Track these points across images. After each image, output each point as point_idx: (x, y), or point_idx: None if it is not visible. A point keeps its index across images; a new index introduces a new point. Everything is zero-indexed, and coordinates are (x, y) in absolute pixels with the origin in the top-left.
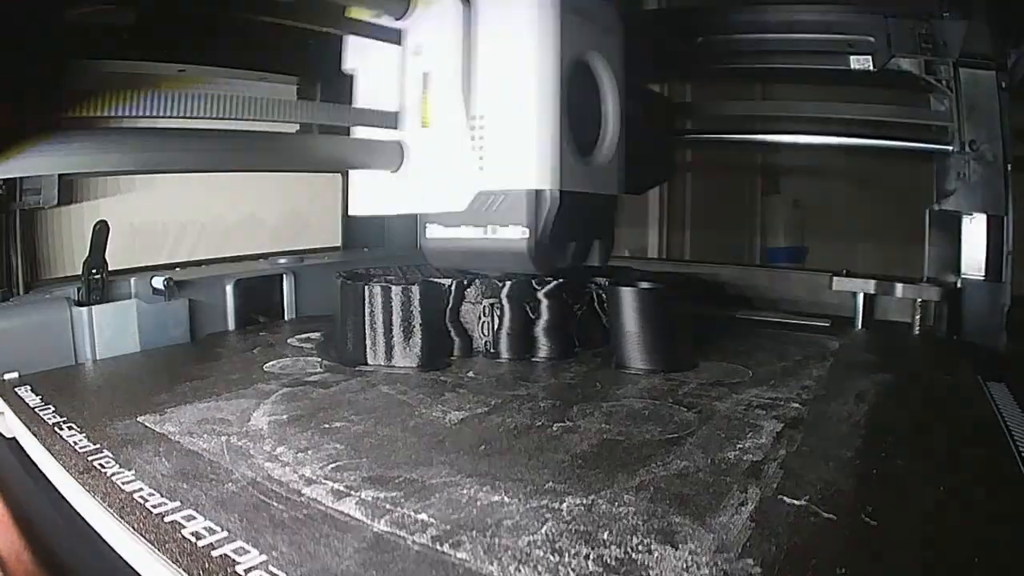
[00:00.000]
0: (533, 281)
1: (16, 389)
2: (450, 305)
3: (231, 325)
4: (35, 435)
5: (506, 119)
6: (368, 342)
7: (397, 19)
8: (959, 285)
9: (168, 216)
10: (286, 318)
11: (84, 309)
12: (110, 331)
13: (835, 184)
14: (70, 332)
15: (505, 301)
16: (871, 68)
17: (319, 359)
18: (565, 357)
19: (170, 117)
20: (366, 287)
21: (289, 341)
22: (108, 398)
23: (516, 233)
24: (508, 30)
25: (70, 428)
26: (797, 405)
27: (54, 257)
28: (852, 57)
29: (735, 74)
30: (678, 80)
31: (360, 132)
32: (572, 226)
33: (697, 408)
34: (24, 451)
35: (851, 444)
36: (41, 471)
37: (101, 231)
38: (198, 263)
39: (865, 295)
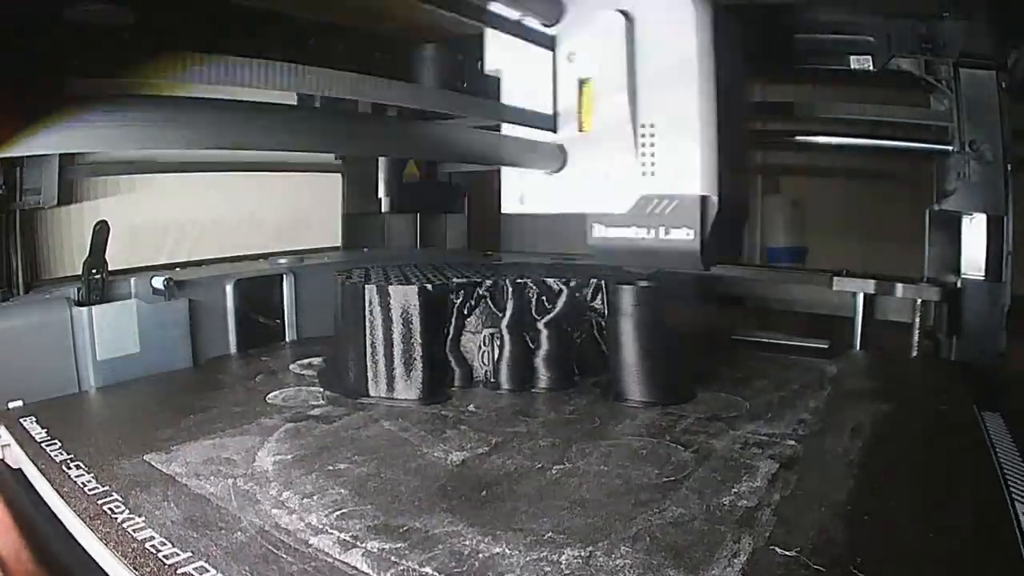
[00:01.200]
0: (533, 310)
1: (21, 420)
2: (451, 335)
3: (231, 325)
4: (44, 474)
5: (676, 130)
6: (370, 373)
7: (548, 25)
8: (959, 285)
9: (168, 216)
10: (287, 338)
11: (84, 309)
12: (110, 331)
13: (835, 184)
14: (70, 332)
15: (505, 331)
16: (871, 68)
17: (321, 389)
18: (565, 387)
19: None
20: (367, 315)
21: (291, 368)
22: (113, 433)
23: (686, 235)
24: (674, 47)
25: (77, 467)
26: (792, 442)
27: (54, 257)
28: (852, 57)
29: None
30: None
31: (507, 130)
32: (724, 228)
33: (694, 447)
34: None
35: (844, 486)
36: (49, 507)
37: (101, 231)
38: (198, 263)
39: (865, 295)
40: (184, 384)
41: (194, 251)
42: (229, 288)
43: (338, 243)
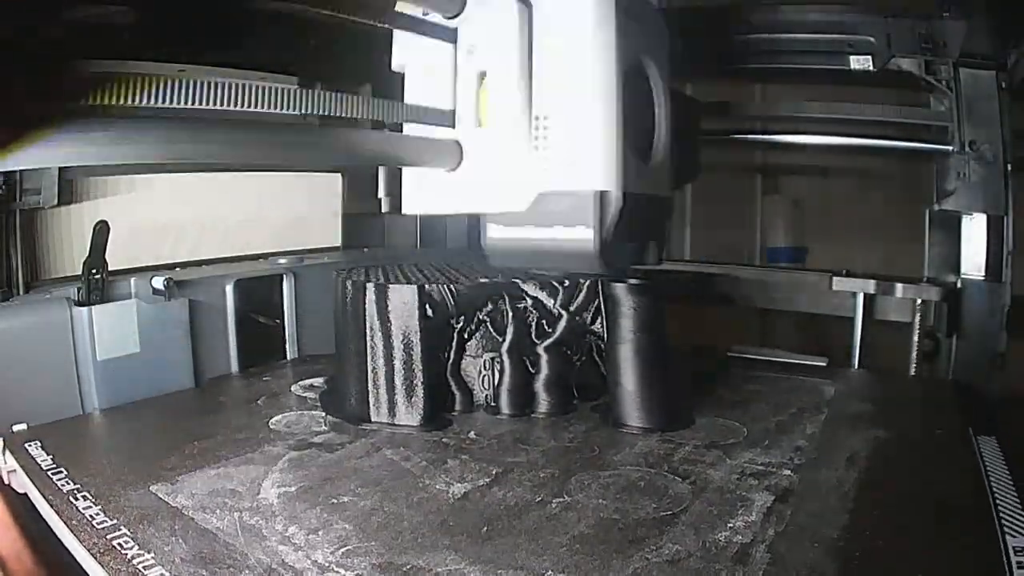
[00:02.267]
0: (532, 334)
1: (26, 446)
2: (451, 359)
3: (231, 325)
4: (53, 506)
5: (570, 120)
6: (371, 399)
7: (449, 17)
8: (959, 285)
9: (168, 216)
10: (287, 349)
11: (84, 309)
12: (110, 331)
13: (835, 184)
14: (70, 332)
15: (505, 356)
16: (871, 68)
17: (323, 414)
18: (565, 412)
19: (200, 108)
20: (368, 344)
21: (293, 389)
22: (118, 460)
23: (582, 233)
24: (570, 33)
25: (84, 498)
26: (788, 472)
27: (54, 257)
28: (852, 57)
29: (735, 74)
30: (678, 80)
31: (409, 130)
32: (631, 226)
33: (691, 478)
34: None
35: (838, 521)
36: (58, 537)
37: (101, 231)
38: (198, 263)
39: (865, 295)
40: (187, 406)
41: (194, 251)
42: (229, 288)
43: (338, 243)
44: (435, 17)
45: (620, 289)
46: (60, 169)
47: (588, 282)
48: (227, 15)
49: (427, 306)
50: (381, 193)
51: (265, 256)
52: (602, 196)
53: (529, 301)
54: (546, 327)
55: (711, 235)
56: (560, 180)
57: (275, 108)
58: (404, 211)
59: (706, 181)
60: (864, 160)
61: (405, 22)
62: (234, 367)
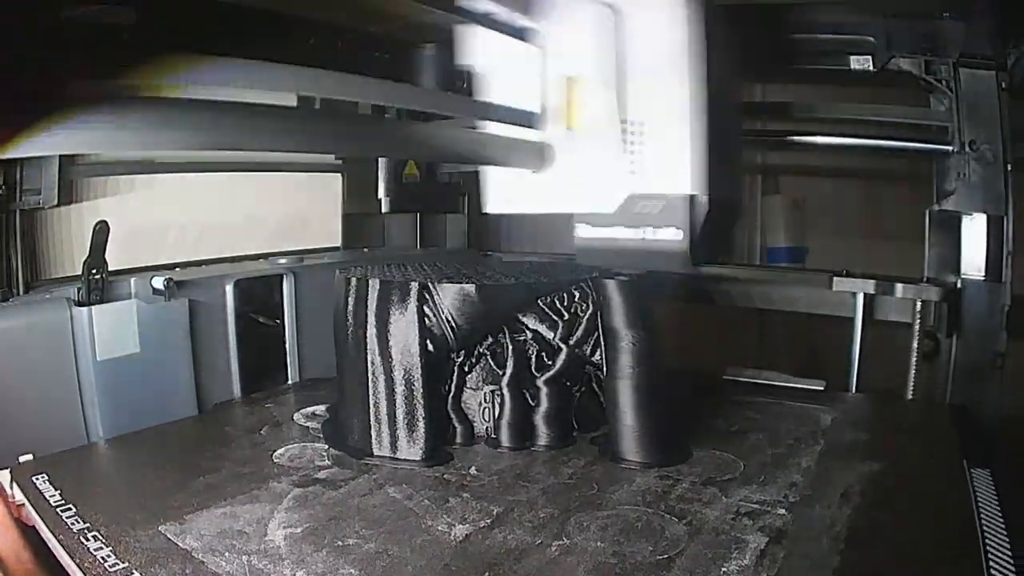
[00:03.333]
0: (532, 367)
1: (34, 479)
2: (452, 393)
3: (231, 325)
4: (64, 546)
5: (664, 128)
6: (373, 433)
7: (536, 22)
8: (959, 285)
9: (169, 217)
10: (290, 379)
11: (84, 309)
12: (110, 331)
13: (835, 184)
14: (70, 332)
15: (505, 390)
16: (871, 68)
17: (326, 446)
18: (564, 444)
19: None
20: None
21: (295, 418)
22: (125, 497)
23: (674, 235)
24: (665, 45)
25: (95, 538)
26: (783, 511)
27: (54, 257)
28: (852, 57)
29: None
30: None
31: (494, 129)
32: (714, 226)
33: (687, 518)
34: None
35: (829, 563)
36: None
37: (101, 231)
38: (198, 263)
39: (865, 295)
40: (191, 436)
41: (194, 251)
42: (229, 288)
43: (338, 243)
44: (521, 20)
45: (619, 322)
46: (60, 169)
47: (588, 315)
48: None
49: (428, 341)
50: (381, 193)
51: (265, 256)
52: (693, 200)
53: (529, 334)
54: (546, 359)
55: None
56: (652, 184)
57: (370, 100)
58: (488, 210)
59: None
60: (864, 160)
61: (495, 25)
62: (234, 367)
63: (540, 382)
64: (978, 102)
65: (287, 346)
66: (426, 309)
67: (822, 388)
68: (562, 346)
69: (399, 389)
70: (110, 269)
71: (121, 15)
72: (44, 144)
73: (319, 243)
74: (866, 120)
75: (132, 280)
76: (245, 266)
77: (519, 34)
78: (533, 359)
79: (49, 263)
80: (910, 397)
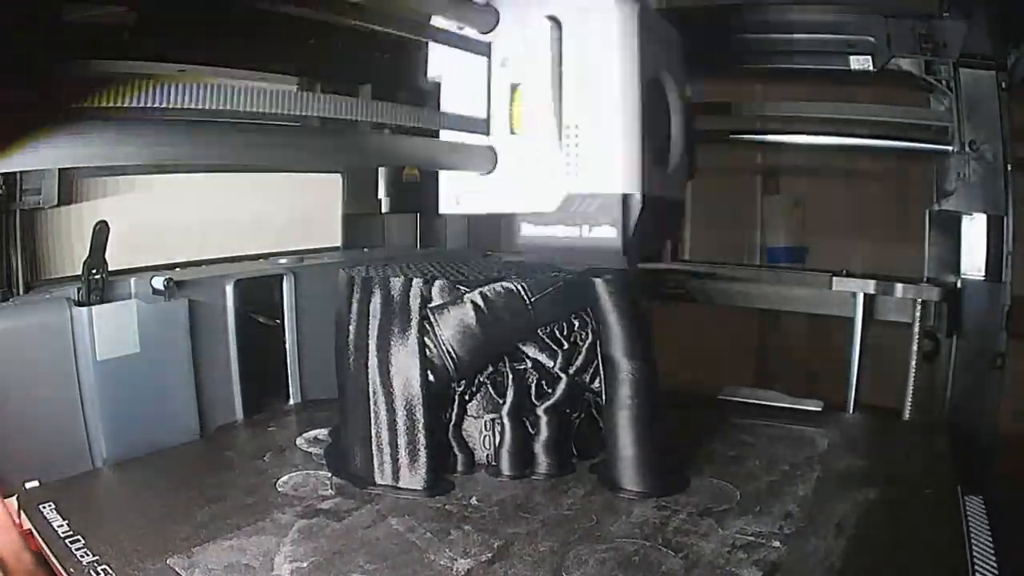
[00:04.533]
0: (532, 396)
1: (41, 508)
2: (453, 421)
3: (231, 326)
4: None
5: (597, 129)
6: (375, 462)
7: (484, 33)
8: (959, 285)
9: (169, 217)
10: (291, 401)
11: (84, 309)
12: (110, 331)
13: (835, 184)
14: (70, 332)
15: (506, 419)
16: (871, 68)
17: (329, 474)
18: (564, 473)
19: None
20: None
21: (298, 443)
22: (132, 527)
23: (608, 232)
24: (597, 50)
25: (105, 572)
26: (777, 543)
27: (54, 257)
28: (852, 57)
29: (735, 74)
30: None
31: (446, 135)
32: (650, 226)
33: (684, 552)
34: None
35: None
36: None
37: (101, 231)
38: (198, 263)
39: (865, 295)
40: (195, 463)
41: (196, 252)
42: (229, 288)
43: (338, 243)
44: (470, 32)
45: (619, 353)
46: (60, 169)
47: (587, 344)
48: (227, 15)
49: (428, 371)
50: (381, 193)
51: (265, 256)
52: (626, 198)
53: (529, 363)
54: (546, 387)
55: (711, 235)
56: (587, 183)
57: (328, 114)
58: (441, 211)
59: (706, 181)
60: (864, 160)
61: (442, 36)
62: (234, 367)
63: (540, 410)
64: (978, 102)
65: (287, 346)
66: (427, 340)
67: (819, 409)
68: (562, 375)
69: (401, 419)
70: (110, 269)
71: (121, 16)
72: (44, 158)
73: (320, 243)
74: (866, 120)
75: (132, 280)
76: (245, 266)
77: (470, 46)
78: (533, 387)
79: (49, 263)
80: (910, 397)
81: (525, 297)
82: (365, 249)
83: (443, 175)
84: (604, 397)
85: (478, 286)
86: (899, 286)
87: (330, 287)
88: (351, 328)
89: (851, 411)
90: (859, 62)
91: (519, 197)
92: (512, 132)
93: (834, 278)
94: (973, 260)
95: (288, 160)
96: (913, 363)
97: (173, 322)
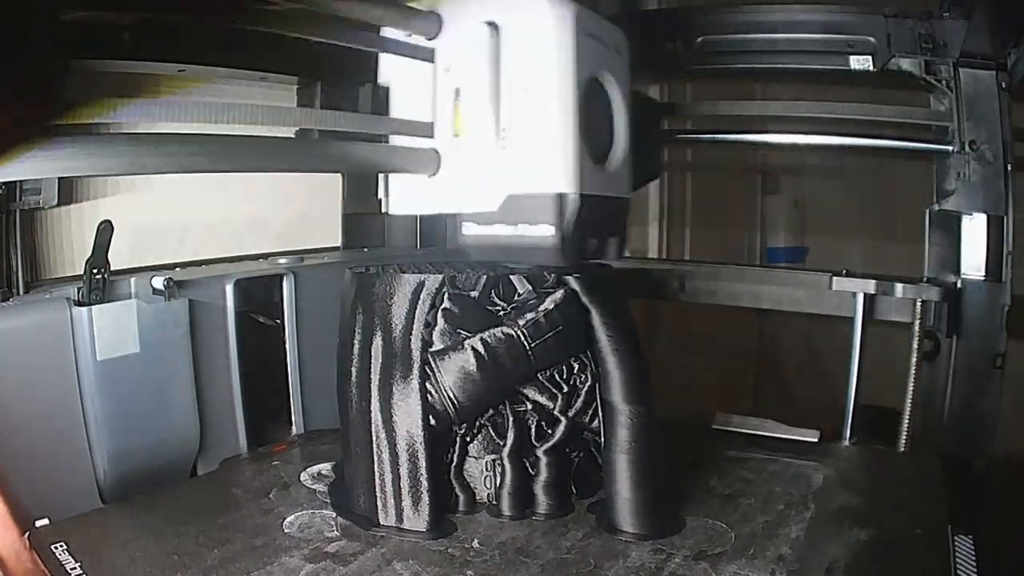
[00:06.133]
0: (532, 437)
1: (53, 548)
2: (454, 462)
3: (231, 326)
4: None
5: (533, 131)
6: (379, 504)
7: (429, 39)
8: (959, 285)
9: (170, 217)
10: (294, 431)
11: (84, 309)
12: (110, 331)
13: (835, 184)
14: (70, 332)
15: (507, 460)
16: (871, 68)
17: (334, 514)
18: (563, 512)
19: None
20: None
21: (302, 478)
22: (146, 571)
23: (545, 231)
24: (532, 53)
25: None
26: None
27: (54, 257)
28: (852, 57)
29: (735, 74)
30: (678, 80)
31: (395, 139)
32: (591, 225)
33: None
34: None
35: None
36: None
37: (105, 231)
38: (198, 263)
39: (865, 295)
40: (203, 501)
41: (197, 252)
42: (229, 288)
43: (338, 243)
44: (415, 39)
45: (617, 397)
46: None
47: (587, 387)
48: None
49: (430, 416)
50: (381, 193)
51: (265, 256)
52: (562, 198)
53: (529, 405)
54: (545, 428)
55: (711, 235)
56: (525, 184)
57: (273, 125)
58: (389, 211)
59: (706, 181)
60: (864, 160)
61: (390, 45)
62: (234, 367)
63: (540, 452)
64: (978, 102)
65: (287, 346)
66: (428, 386)
67: (815, 440)
68: (561, 418)
69: (404, 463)
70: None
71: (121, 16)
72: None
73: (320, 243)
74: (866, 120)
75: (132, 280)
76: (245, 266)
77: (416, 53)
78: (533, 429)
79: (49, 263)
80: (910, 398)
81: (525, 343)
82: (365, 249)
83: (392, 178)
84: (603, 440)
85: (478, 331)
86: (899, 286)
87: (330, 287)
88: (354, 369)
89: (847, 437)
90: (859, 62)
91: (463, 198)
92: (455, 135)
93: (834, 278)
94: (973, 260)
95: (240, 166)
96: (913, 363)
97: (173, 322)
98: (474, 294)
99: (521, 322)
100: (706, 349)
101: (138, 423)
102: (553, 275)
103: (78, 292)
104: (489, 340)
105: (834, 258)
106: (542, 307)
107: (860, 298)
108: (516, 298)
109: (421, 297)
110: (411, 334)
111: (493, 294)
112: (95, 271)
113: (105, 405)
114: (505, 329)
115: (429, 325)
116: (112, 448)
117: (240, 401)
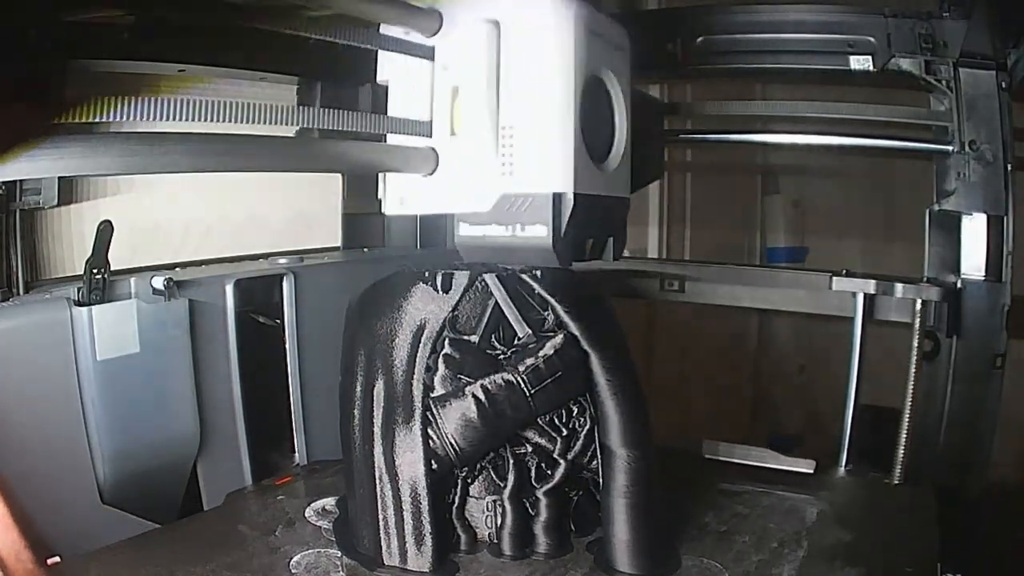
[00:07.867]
0: (532, 479)
1: None
2: (456, 503)
3: (231, 326)
4: None
5: (530, 130)
6: (383, 544)
7: (429, 36)
8: (959, 285)
9: (170, 216)
10: (298, 459)
11: (84, 309)
12: (110, 331)
13: (835, 184)
14: (70, 332)
15: (507, 502)
16: (871, 68)
17: (339, 553)
18: (563, 551)
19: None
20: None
21: (307, 514)
22: None
23: (539, 231)
24: (533, 51)
25: None
26: None
27: (54, 257)
28: (852, 57)
29: (735, 74)
30: (678, 80)
31: (392, 138)
32: (588, 225)
33: None
34: None
35: None
36: None
37: (105, 231)
38: (198, 263)
39: (865, 295)
40: (210, 538)
41: (197, 252)
42: (229, 288)
43: (338, 243)
44: (415, 37)
45: (615, 441)
46: None
47: (586, 430)
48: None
49: (432, 461)
50: (381, 193)
51: (265, 256)
52: (557, 197)
53: (529, 447)
54: (545, 469)
55: (711, 235)
56: (521, 183)
57: (272, 124)
58: (385, 212)
59: (706, 181)
60: (864, 160)
61: (389, 43)
62: (234, 367)
63: (540, 493)
64: (978, 102)
65: (287, 346)
66: (430, 431)
67: (811, 471)
68: (561, 460)
69: (407, 505)
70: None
71: (121, 17)
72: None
73: (320, 243)
74: (866, 120)
75: (132, 280)
76: (245, 266)
77: (414, 51)
78: (533, 470)
79: (49, 263)
80: (910, 398)
81: (525, 389)
82: (365, 249)
83: (389, 177)
84: (601, 482)
85: (479, 377)
86: (899, 286)
87: (330, 287)
88: (356, 412)
89: (844, 464)
90: (859, 62)
91: (458, 198)
92: (452, 134)
93: (834, 278)
94: (973, 260)
95: (240, 165)
96: (913, 363)
97: (173, 322)
98: (474, 339)
99: (521, 368)
100: (706, 349)
101: (138, 423)
102: (552, 318)
103: (78, 292)
104: (490, 387)
105: (834, 258)
106: (542, 352)
107: (860, 298)
108: (516, 342)
109: (422, 341)
110: (412, 379)
111: (493, 338)
112: (95, 271)
113: (105, 405)
114: (506, 376)
115: (430, 370)
116: (112, 448)
117: (240, 401)
